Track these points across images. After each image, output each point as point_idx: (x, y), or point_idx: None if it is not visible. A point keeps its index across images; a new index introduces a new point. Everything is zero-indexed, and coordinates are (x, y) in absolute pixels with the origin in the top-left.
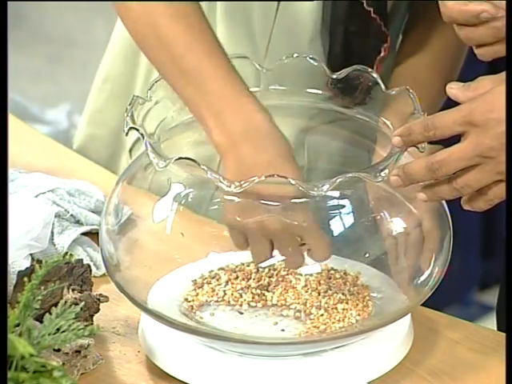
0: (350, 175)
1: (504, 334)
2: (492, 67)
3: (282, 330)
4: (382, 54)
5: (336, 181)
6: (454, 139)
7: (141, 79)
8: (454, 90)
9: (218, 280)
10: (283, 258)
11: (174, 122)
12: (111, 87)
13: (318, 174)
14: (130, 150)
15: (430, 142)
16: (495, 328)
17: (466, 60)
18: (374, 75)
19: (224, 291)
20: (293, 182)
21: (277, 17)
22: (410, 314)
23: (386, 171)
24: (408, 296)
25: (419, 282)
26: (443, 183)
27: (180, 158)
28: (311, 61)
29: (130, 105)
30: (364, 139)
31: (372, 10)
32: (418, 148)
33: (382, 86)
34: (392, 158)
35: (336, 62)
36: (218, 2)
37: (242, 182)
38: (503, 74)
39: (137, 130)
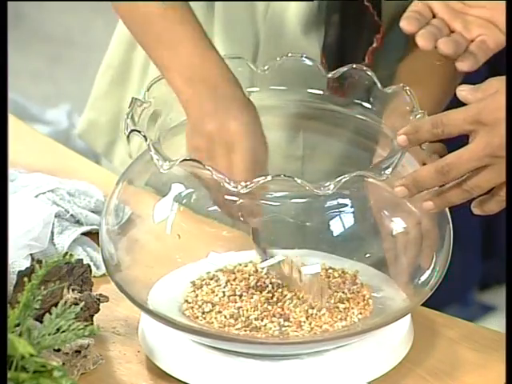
0: (355, 174)
1: (504, 334)
2: (493, 70)
3: (283, 330)
4: (374, 45)
5: (341, 180)
6: (455, 140)
7: (137, 70)
8: (464, 91)
9: (217, 281)
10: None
11: (174, 122)
12: (112, 74)
13: (317, 174)
14: (128, 136)
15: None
16: (495, 328)
17: None
18: (369, 73)
19: (223, 292)
20: (299, 181)
21: (268, 12)
22: (409, 314)
23: (390, 169)
24: (408, 296)
25: (419, 281)
26: (452, 188)
27: (185, 160)
28: (306, 60)
29: (129, 107)
30: (363, 139)
31: None
32: (420, 146)
33: (379, 85)
34: (395, 157)
35: (330, 53)
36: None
37: (248, 183)
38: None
39: (138, 131)
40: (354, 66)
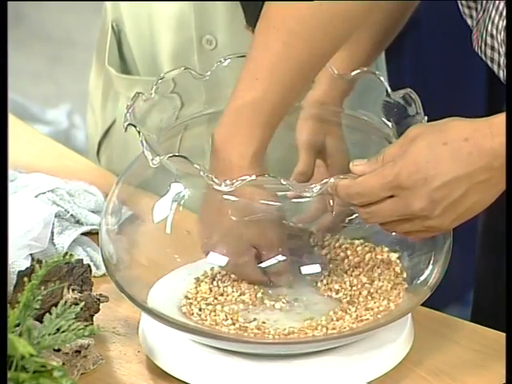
0: (342, 177)
1: (504, 334)
2: (493, 70)
3: (284, 330)
4: None
5: (327, 182)
6: None
7: None
8: (360, 166)
9: (221, 278)
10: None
11: (175, 122)
12: None
13: (318, 173)
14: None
15: None
16: (490, 327)
17: (465, 75)
18: (380, 78)
19: (224, 289)
20: (284, 182)
21: None
22: (410, 314)
23: None
24: (408, 296)
25: (419, 281)
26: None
27: (174, 156)
28: None
29: (131, 100)
30: (363, 138)
31: None
32: None
33: (388, 89)
34: None
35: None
36: None
37: (234, 181)
38: (403, 138)
39: (134, 126)
40: (365, 69)
